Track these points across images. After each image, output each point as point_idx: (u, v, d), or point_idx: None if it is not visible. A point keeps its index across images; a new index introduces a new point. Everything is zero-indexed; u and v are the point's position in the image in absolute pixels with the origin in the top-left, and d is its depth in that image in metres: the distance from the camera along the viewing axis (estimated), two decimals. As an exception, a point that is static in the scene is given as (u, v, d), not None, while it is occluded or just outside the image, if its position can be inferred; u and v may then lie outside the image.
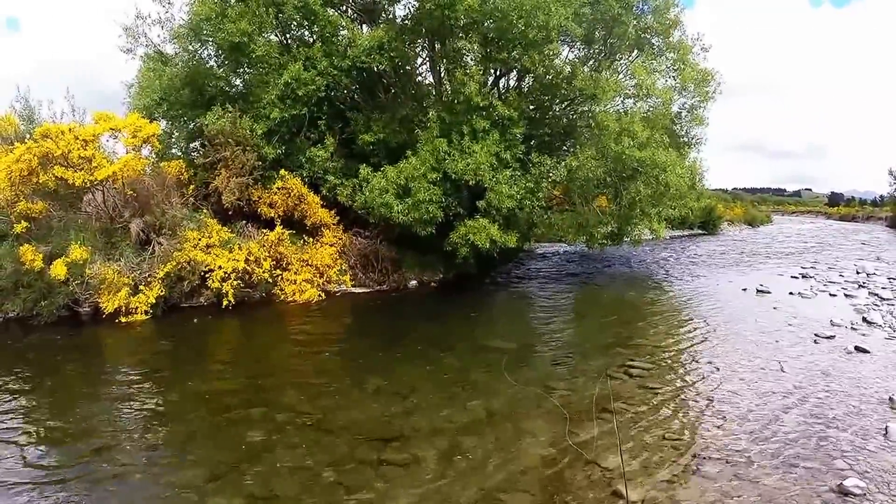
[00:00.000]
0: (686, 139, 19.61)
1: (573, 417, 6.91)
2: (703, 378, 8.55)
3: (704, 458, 5.85)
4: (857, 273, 19.62)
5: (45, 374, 8.91)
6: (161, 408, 7.65)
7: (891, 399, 7.40)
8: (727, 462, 5.73)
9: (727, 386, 8.12)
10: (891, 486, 5.26)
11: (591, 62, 18.46)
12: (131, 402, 7.80)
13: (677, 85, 18.57)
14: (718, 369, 8.90)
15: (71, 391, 8.15)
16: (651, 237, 18.28)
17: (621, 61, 18.79)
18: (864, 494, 5.10)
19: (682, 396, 7.81)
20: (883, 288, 16.18)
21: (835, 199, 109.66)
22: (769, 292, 15.59)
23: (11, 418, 7.03)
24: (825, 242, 34.42)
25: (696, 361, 9.45)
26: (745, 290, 16.21)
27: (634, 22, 17.44)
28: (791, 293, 15.52)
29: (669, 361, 9.42)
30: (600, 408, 7.25)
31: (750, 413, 7.09)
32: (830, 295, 15.38)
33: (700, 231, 40.66)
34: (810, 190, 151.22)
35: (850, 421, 6.78)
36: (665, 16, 18.29)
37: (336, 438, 6.54)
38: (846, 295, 15.30)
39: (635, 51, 18.66)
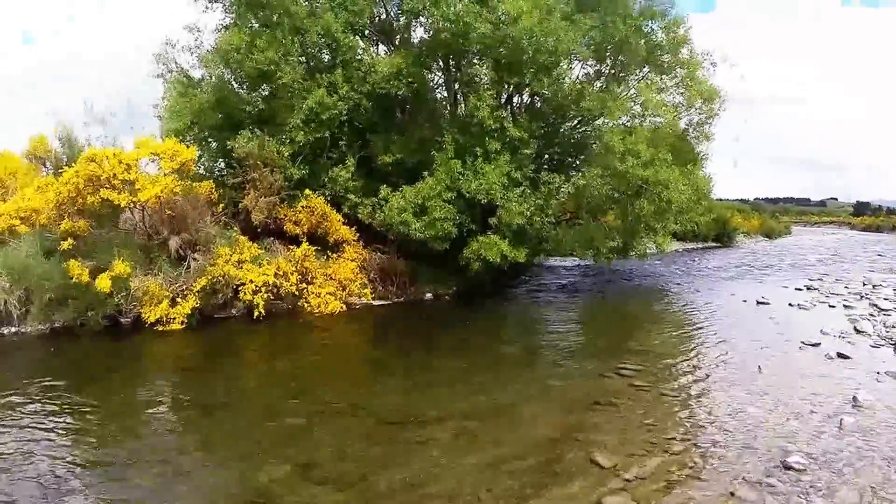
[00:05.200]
0: (692, 155, 20.18)
1: (567, 408, 8.00)
2: (685, 377, 9.47)
3: (674, 439, 6.78)
4: (864, 285, 20.13)
5: (99, 374, 10.10)
6: (208, 400, 8.78)
7: (854, 398, 8.16)
8: (693, 443, 6.66)
9: (704, 384, 9.06)
10: (832, 464, 6.10)
11: (602, 79, 19.28)
12: (181, 395, 9.08)
13: (684, 102, 19.28)
14: (700, 370, 9.80)
15: (126, 387, 9.31)
16: (656, 251, 19.03)
17: (631, 78, 19.42)
18: (805, 469, 5.94)
19: (662, 392, 8.68)
20: (885, 299, 16.69)
21: (860, 209, 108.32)
22: (768, 303, 16.26)
23: (80, 411, 8.11)
24: (840, 254, 34.78)
25: (681, 364, 10.31)
26: (745, 301, 16.88)
27: (643, 42, 18.10)
28: (790, 304, 16.17)
29: (657, 364, 10.25)
30: (592, 400, 8.27)
31: (719, 405, 8.03)
32: (830, 306, 15.97)
33: (714, 244, 40.85)
34: (836, 199, 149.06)
35: (811, 414, 7.60)
36: (674, 32, 18.80)
37: (362, 422, 7.72)
38: (845, 306, 15.87)
39: (646, 67, 19.21)
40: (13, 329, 12.57)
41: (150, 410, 8.30)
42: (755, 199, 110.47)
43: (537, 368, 10.35)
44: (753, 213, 60.27)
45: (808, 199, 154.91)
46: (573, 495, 5.58)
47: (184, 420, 8.04)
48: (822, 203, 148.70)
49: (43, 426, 7.37)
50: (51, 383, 9.17)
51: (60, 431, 7.31)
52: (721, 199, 43.48)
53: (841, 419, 7.32)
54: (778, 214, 79.49)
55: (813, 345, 11.35)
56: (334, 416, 7.98)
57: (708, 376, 9.42)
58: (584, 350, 11.86)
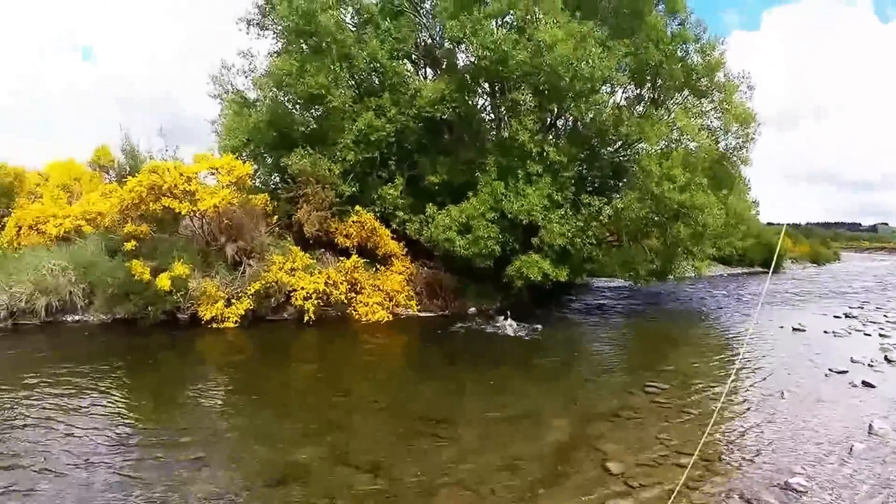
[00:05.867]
0: (730, 180, 20.30)
1: (588, 419, 8.73)
2: (707, 398, 9.93)
3: (684, 453, 7.27)
4: (903, 314, 20.08)
5: (156, 360, 11.73)
6: (254, 389, 10.04)
7: (870, 426, 8.52)
8: (702, 459, 7.13)
9: (725, 405, 9.43)
10: (833, 488, 6.50)
11: (642, 103, 19.76)
12: (230, 384, 10.43)
13: (721, 126, 19.48)
14: (723, 392, 10.15)
15: (180, 373, 10.96)
16: (693, 274, 19.35)
17: (670, 102, 19.66)
18: (806, 491, 6.39)
19: (683, 410, 9.21)
20: (922, 330, 16.76)
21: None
22: (804, 330, 16.43)
23: (136, 390, 9.55)
24: (885, 282, 34.30)
25: (707, 385, 10.74)
26: (781, 327, 17.00)
27: (679, 66, 18.41)
28: (826, 332, 16.32)
29: (684, 384, 10.75)
30: (613, 413, 8.96)
31: (735, 426, 8.54)
32: (865, 335, 16.08)
33: (761, 269, 40.10)
34: (887, 224, 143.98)
35: (823, 439, 8.00)
36: (710, 55, 18.95)
37: (398, 417, 8.74)
38: (881, 335, 15.94)
39: (685, 90, 19.42)
40: (76, 317, 14.39)
41: (201, 394, 9.54)
42: (807, 223, 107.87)
43: (566, 381, 11.03)
44: (803, 238, 59.18)
45: (859, 224, 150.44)
46: (580, 496, 6.22)
47: (231, 404, 9.21)
48: (874, 228, 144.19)
49: (100, 401, 8.71)
50: (110, 366, 10.64)
51: (116, 406, 8.60)
52: (770, 224, 42.56)
53: (851, 445, 7.71)
54: (829, 240, 77.69)
55: (840, 372, 11.63)
56: (371, 412, 9.02)
57: (730, 398, 9.85)
58: (614, 367, 12.46)
